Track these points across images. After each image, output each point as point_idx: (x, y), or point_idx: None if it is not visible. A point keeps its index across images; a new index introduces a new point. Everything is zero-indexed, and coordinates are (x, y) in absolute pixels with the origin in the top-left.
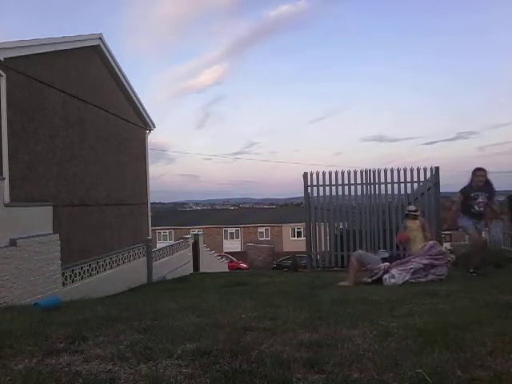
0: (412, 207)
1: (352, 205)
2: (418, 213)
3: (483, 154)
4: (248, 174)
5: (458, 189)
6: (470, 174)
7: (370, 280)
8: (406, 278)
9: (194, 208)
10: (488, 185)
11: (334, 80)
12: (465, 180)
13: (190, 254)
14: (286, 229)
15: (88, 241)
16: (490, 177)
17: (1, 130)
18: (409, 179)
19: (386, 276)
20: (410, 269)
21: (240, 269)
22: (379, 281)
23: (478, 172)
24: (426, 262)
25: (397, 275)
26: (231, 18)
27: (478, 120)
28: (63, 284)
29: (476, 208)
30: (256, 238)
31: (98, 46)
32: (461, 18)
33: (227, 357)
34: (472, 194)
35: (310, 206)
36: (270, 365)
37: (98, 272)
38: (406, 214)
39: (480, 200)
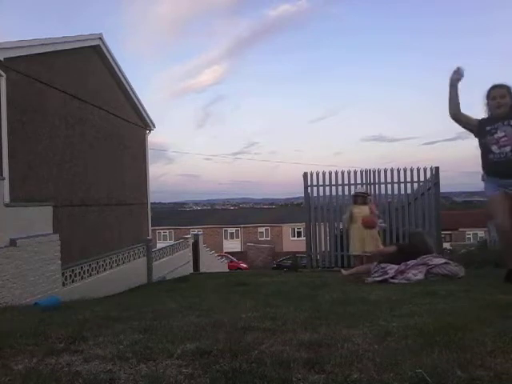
0: (361, 189)
1: None
2: (367, 195)
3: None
4: (248, 173)
5: (458, 189)
6: (484, 99)
7: (369, 280)
8: (424, 271)
9: (194, 208)
10: None
11: (333, 80)
12: (464, 180)
13: (190, 254)
14: (286, 229)
15: (88, 241)
16: None
17: (1, 130)
18: (409, 179)
19: (407, 276)
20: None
21: (240, 269)
22: (382, 281)
23: (495, 91)
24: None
25: (418, 273)
26: (231, 18)
27: None
28: (63, 284)
29: (495, 150)
30: (256, 238)
31: (98, 45)
32: (461, 18)
33: (227, 357)
34: (488, 128)
35: (310, 206)
36: (270, 365)
37: (98, 272)
38: (354, 197)
39: (500, 135)
